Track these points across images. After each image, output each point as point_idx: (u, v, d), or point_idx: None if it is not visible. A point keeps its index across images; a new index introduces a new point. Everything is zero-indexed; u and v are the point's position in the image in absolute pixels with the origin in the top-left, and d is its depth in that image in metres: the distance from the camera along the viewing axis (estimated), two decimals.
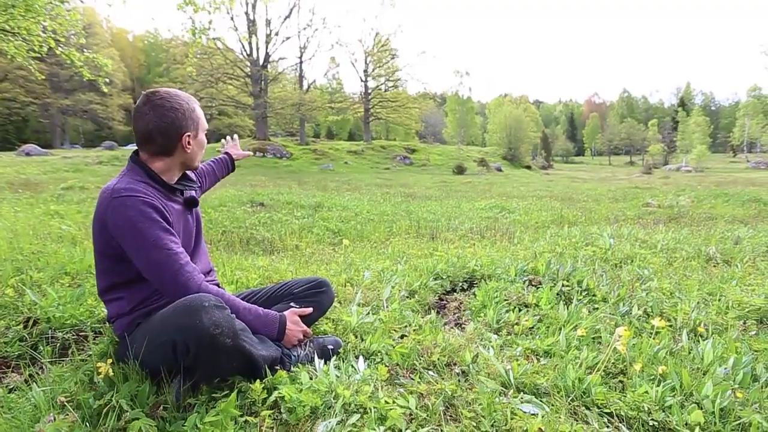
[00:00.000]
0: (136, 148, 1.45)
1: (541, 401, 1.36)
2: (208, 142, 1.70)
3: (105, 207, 1.29)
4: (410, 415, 1.28)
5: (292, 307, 1.63)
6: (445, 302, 2.43)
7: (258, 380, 1.32)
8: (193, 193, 1.58)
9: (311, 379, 1.37)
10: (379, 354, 1.64)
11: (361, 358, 1.57)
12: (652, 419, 1.29)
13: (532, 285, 2.51)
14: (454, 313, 2.27)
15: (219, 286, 1.71)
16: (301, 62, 32.55)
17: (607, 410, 1.34)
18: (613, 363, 1.59)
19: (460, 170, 25.06)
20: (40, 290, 2.15)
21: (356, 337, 1.77)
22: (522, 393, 1.41)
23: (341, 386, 1.32)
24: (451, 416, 1.31)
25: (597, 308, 2.18)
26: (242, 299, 1.70)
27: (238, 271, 2.72)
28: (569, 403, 1.36)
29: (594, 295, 2.35)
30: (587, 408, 1.36)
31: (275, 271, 2.76)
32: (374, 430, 1.18)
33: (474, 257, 3.05)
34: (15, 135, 36.22)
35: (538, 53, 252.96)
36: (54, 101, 34.78)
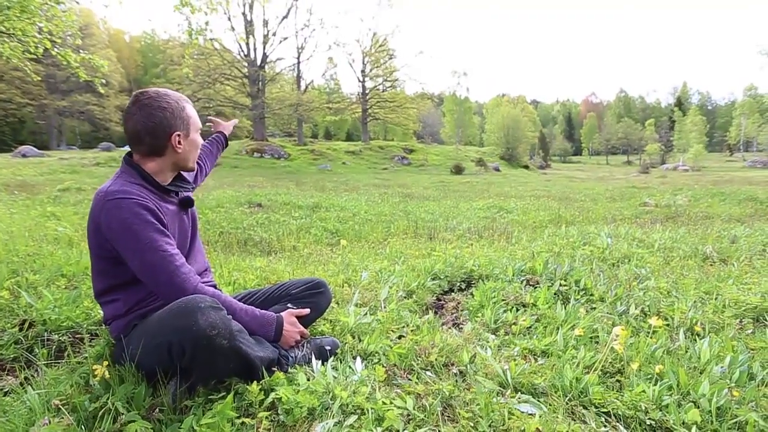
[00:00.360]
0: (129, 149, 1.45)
1: (538, 401, 1.36)
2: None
3: (99, 209, 1.29)
4: (408, 415, 1.27)
5: (290, 308, 1.62)
6: (442, 302, 2.43)
7: (255, 382, 1.31)
8: (188, 193, 1.57)
9: (308, 380, 1.37)
10: (376, 354, 1.63)
11: (358, 358, 1.57)
12: (650, 418, 1.29)
13: (530, 285, 2.51)
14: (452, 314, 2.27)
15: (215, 287, 1.71)
16: (298, 63, 32.54)
17: (605, 410, 1.34)
18: (610, 362, 1.59)
19: (458, 170, 25.08)
20: (36, 292, 2.13)
21: (354, 337, 1.77)
22: (519, 393, 1.41)
23: (338, 387, 1.32)
24: (448, 416, 1.31)
25: (594, 308, 2.18)
26: (239, 300, 1.70)
27: (235, 272, 2.71)
28: (567, 403, 1.36)
29: (591, 295, 2.36)
30: (585, 407, 1.36)
31: (273, 272, 2.75)
32: (372, 430, 1.18)
33: (472, 257, 3.05)
34: (11, 136, 36.08)
35: (535, 53, 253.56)
36: (50, 102, 34.66)
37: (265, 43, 29.16)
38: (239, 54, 29.07)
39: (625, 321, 2.04)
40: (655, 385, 1.41)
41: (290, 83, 35.65)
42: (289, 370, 1.45)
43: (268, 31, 29.04)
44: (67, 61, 5.06)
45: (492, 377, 1.50)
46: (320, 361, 1.51)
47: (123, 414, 1.19)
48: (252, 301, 1.70)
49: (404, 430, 1.21)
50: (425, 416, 1.27)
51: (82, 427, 1.17)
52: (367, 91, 36.66)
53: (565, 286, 2.43)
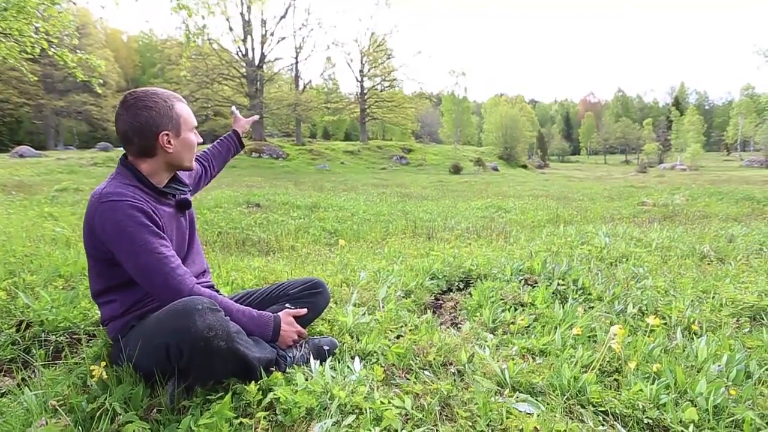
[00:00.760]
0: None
1: (536, 400, 1.36)
2: (205, 143, 1.65)
3: (93, 211, 1.28)
4: (406, 415, 1.27)
5: (288, 308, 1.62)
6: (441, 302, 2.43)
7: (253, 382, 1.31)
8: (185, 195, 1.56)
9: (307, 380, 1.37)
10: (374, 354, 1.63)
11: (356, 358, 1.57)
12: (647, 417, 1.30)
13: (528, 284, 2.52)
14: (450, 313, 2.27)
15: (213, 287, 1.71)
16: (296, 62, 32.50)
17: (603, 408, 1.35)
18: (608, 361, 1.60)
19: (456, 170, 25.10)
20: (33, 293, 2.13)
21: (352, 337, 1.77)
22: (518, 392, 1.41)
23: (337, 387, 1.32)
24: (447, 416, 1.31)
25: (592, 307, 2.19)
26: (238, 300, 1.70)
27: (233, 272, 2.71)
28: (565, 402, 1.36)
29: (589, 294, 2.36)
30: (582, 407, 1.36)
31: (271, 272, 2.75)
32: (370, 430, 1.18)
33: (470, 257, 3.05)
34: (8, 136, 35.92)
35: (533, 53, 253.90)
36: (48, 102, 34.52)
37: (263, 43, 29.13)
38: (237, 54, 29.03)
39: (622, 320, 2.05)
40: (653, 383, 1.42)
41: (288, 83, 35.61)
42: (287, 370, 1.44)
43: (266, 31, 29.01)
44: (64, 61, 5.04)
45: (490, 376, 1.50)
46: (318, 361, 1.51)
47: (121, 414, 1.18)
48: (250, 301, 1.70)
49: (402, 429, 1.21)
50: (423, 416, 1.27)
51: (80, 427, 1.16)
52: (365, 91, 36.64)
53: (563, 285, 2.43)
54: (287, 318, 1.50)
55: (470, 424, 1.25)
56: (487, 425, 1.24)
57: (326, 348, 1.61)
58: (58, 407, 1.21)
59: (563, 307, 2.10)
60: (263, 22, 28.80)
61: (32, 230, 4.10)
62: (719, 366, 1.55)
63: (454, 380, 1.47)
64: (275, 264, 3.09)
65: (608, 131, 69.57)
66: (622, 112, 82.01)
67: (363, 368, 1.50)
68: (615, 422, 1.30)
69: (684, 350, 1.71)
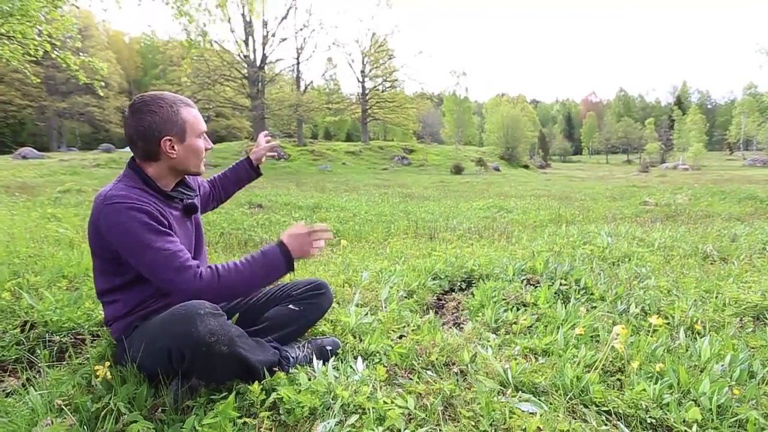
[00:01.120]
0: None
1: (539, 400, 1.36)
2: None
3: (98, 214, 1.29)
4: (409, 415, 1.28)
5: (292, 309, 1.62)
6: (443, 302, 2.43)
7: (256, 382, 1.32)
8: (192, 200, 1.56)
9: (310, 380, 1.37)
10: (377, 354, 1.64)
11: (359, 358, 1.57)
12: (650, 417, 1.30)
13: (530, 284, 2.52)
14: (453, 313, 2.27)
15: None
16: (298, 63, 32.52)
17: (605, 408, 1.34)
18: (611, 361, 1.60)
19: (457, 170, 25.09)
20: (37, 294, 2.14)
21: (355, 337, 1.77)
22: (520, 392, 1.41)
23: (340, 387, 1.32)
24: (449, 416, 1.31)
25: (595, 307, 2.19)
26: (240, 302, 1.70)
27: None
28: (567, 402, 1.36)
29: (592, 294, 2.36)
30: (585, 406, 1.36)
31: None
32: (373, 430, 1.18)
33: (472, 257, 3.05)
34: (11, 138, 36.10)
35: (535, 53, 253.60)
36: (50, 104, 34.69)
37: (264, 44, 29.17)
38: (239, 55, 29.09)
39: (625, 320, 2.04)
40: (656, 383, 1.42)
41: (290, 84, 35.68)
42: (291, 370, 1.45)
43: (267, 32, 29.06)
44: (67, 63, 5.07)
45: (493, 376, 1.50)
46: (321, 362, 1.51)
47: (125, 414, 1.19)
48: (253, 302, 1.71)
49: (405, 429, 1.21)
50: (426, 416, 1.27)
51: (85, 427, 1.17)
52: (366, 92, 36.66)
53: (565, 285, 2.43)
54: (290, 236, 1.40)
55: (473, 423, 1.25)
56: (490, 425, 1.25)
57: (329, 348, 1.62)
58: (63, 407, 1.22)
59: (566, 307, 2.09)
60: (264, 23, 28.85)
61: (36, 231, 4.12)
62: (722, 366, 1.55)
63: (457, 380, 1.48)
64: None
65: (610, 131, 69.42)
66: (623, 112, 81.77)
67: (366, 368, 1.50)
68: (618, 422, 1.30)
69: (687, 350, 1.71)
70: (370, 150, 31.03)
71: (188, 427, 1.16)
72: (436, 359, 1.59)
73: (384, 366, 1.51)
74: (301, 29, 30.99)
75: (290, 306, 1.63)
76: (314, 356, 1.54)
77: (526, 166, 35.87)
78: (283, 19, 29.31)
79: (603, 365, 1.55)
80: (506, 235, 4.63)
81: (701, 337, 1.81)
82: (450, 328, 2.04)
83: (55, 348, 1.66)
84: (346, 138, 54.94)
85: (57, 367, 1.53)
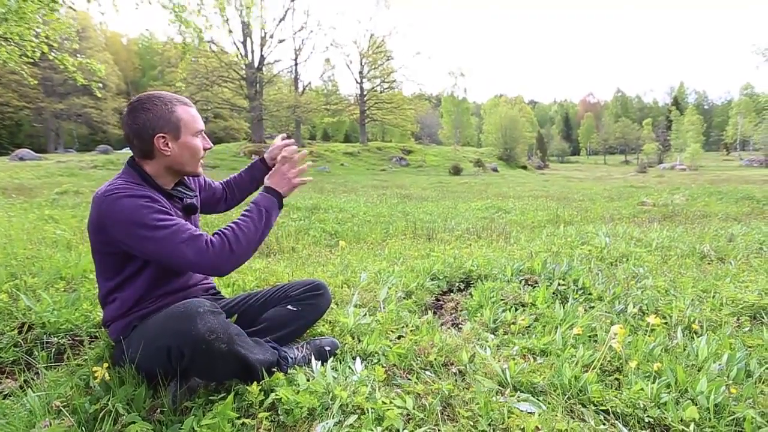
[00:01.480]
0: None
1: (537, 400, 1.37)
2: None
3: (98, 207, 1.29)
4: (407, 415, 1.28)
5: (290, 310, 1.62)
6: (441, 303, 2.43)
7: (255, 382, 1.32)
8: (192, 200, 1.56)
9: (308, 380, 1.37)
10: (376, 355, 1.64)
11: (358, 359, 1.57)
12: (648, 416, 1.30)
13: (529, 284, 2.52)
14: (451, 314, 2.27)
15: (214, 289, 1.71)
16: (296, 64, 32.57)
17: (603, 408, 1.35)
18: (608, 361, 1.60)
19: (456, 171, 25.12)
20: (35, 295, 2.13)
21: (353, 338, 1.78)
22: (519, 392, 1.42)
23: (338, 387, 1.33)
24: (448, 416, 1.31)
25: (593, 307, 2.19)
26: (239, 302, 1.70)
27: (234, 273, 2.71)
28: (566, 401, 1.37)
29: (590, 294, 2.37)
30: (583, 406, 1.36)
31: (272, 274, 2.75)
32: (372, 430, 1.18)
33: (470, 257, 3.05)
34: (8, 140, 35.98)
35: (533, 54, 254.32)
36: (47, 105, 34.58)
37: (262, 45, 29.18)
38: (237, 56, 29.07)
39: (623, 320, 2.05)
40: (654, 382, 1.42)
41: (288, 85, 35.66)
42: (289, 370, 1.45)
43: (265, 34, 29.08)
44: (65, 65, 5.05)
45: (491, 376, 1.50)
46: (320, 362, 1.51)
47: (123, 415, 1.19)
48: (251, 302, 1.71)
49: (404, 429, 1.21)
50: (425, 415, 1.28)
51: (83, 428, 1.17)
52: (364, 93, 36.71)
53: (563, 285, 2.44)
54: (271, 177, 1.52)
55: (472, 423, 1.25)
56: (489, 425, 1.25)
57: (327, 349, 1.62)
58: (61, 408, 1.21)
59: (564, 307, 2.10)
60: (263, 25, 28.85)
61: (33, 233, 4.11)
62: (720, 365, 1.56)
63: (456, 380, 1.48)
64: (276, 265, 3.09)
65: (608, 131, 69.63)
66: (621, 113, 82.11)
67: (364, 369, 1.51)
68: (616, 421, 1.30)
69: (684, 349, 1.72)
70: (368, 151, 31.04)
71: (187, 427, 1.16)
72: (435, 359, 1.59)
73: (382, 366, 1.51)
74: (299, 30, 31.04)
75: (289, 307, 1.63)
76: (313, 357, 1.54)
77: (524, 167, 35.94)
78: (281, 20, 29.36)
79: (601, 365, 1.55)
80: (504, 236, 4.64)
81: (698, 337, 1.81)
82: (448, 328, 2.04)
83: (53, 350, 1.66)
84: (344, 139, 54.97)
85: (55, 368, 1.53)
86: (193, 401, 1.29)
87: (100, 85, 5.94)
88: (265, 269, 2.91)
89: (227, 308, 1.67)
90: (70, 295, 2.09)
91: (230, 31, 27.60)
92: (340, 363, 1.54)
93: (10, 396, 1.36)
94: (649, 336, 1.82)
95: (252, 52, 28.92)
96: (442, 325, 2.08)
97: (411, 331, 1.88)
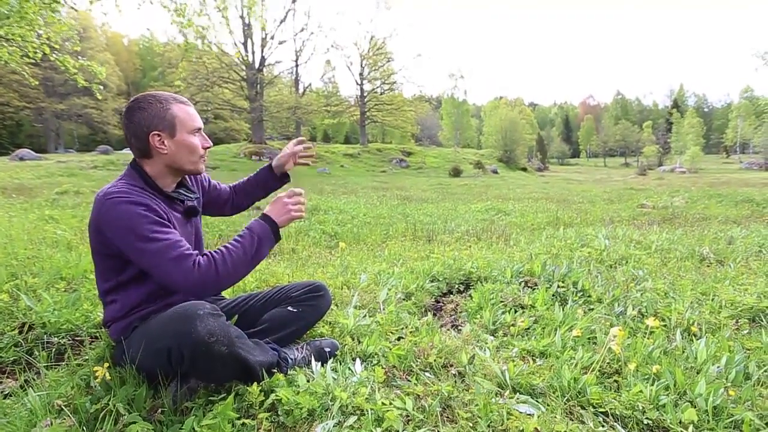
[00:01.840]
0: None
1: (537, 401, 1.37)
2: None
3: (97, 210, 1.30)
4: (407, 416, 1.28)
5: (291, 311, 1.63)
6: (441, 304, 2.44)
7: (255, 383, 1.32)
8: (193, 203, 1.56)
9: (308, 381, 1.38)
10: (375, 356, 1.64)
11: (358, 360, 1.58)
12: (647, 418, 1.31)
13: (528, 286, 2.53)
14: (451, 315, 2.28)
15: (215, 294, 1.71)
16: (296, 66, 32.63)
17: (603, 410, 1.35)
18: (608, 363, 1.61)
19: (456, 173, 25.14)
20: (35, 295, 2.14)
21: (353, 339, 1.78)
22: (518, 393, 1.42)
23: (338, 388, 1.33)
24: (447, 417, 1.31)
25: (592, 309, 2.20)
26: (239, 303, 1.71)
27: None
28: (565, 403, 1.37)
29: (589, 296, 2.37)
30: (583, 408, 1.37)
31: (272, 275, 2.76)
32: (371, 431, 1.19)
33: (470, 259, 3.06)
34: (8, 139, 36.01)
35: (533, 56, 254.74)
36: (48, 105, 34.59)
37: (263, 46, 29.23)
38: (237, 57, 29.10)
39: (622, 322, 2.06)
40: (653, 385, 1.43)
41: (288, 86, 35.74)
42: (289, 371, 1.45)
43: (266, 35, 29.13)
44: (66, 66, 5.06)
45: (491, 378, 1.51)
46: (320, 363, 1.51)
47: (124, 415, 1.19)
48: (252, 303, 1.71)
49: (404, 430, 1.21)
50: (424, 417, 1.28)
51: (84, 428, 1.17)
52: (365, 94, 36.76)
53: (563, 287, 2.44)
54: (271, 205, 1.46)
55: (471, 425, 1.26)
56: (488, 426, 1.25)
57: (327, 350, 1.62)
58: (63, 407, 1.22)
59: (563, 309, 2.10)
60: (263, 26, 28.91)
61: (33, 233, 4.11)
62: (718, 367, 1.56)
63: (455, 382, 1.48)
64: (276, 267, 3.10)
65: (608, 134, 69.72)
66: (621, 115, 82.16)
67: (364, 370, 1.51)
68: (615, 423, 1.31)
69: (683, 352, 1.72)
70: (368, 152, 31.07)
71: (187, 428, 1.17)
72: (434, 361, 1.59)
73: (382, 367, 1.51)
74: (299, 32, 31.11)
75: (289, 308, 1.64)
76: (313, 358, 1.54)
77: (524, 169, 35.96)
78: (281, 21, 29.41)
79: (600, 367, 1.56)
80: (504, 238, 4.64)
81: (697, 339, 1.82)
82: (448, 329, 2.04)
83: (54, 349, 1.66)
84: (344, 140, 55.04)
85: (55, 368, 1.53)
86: (193, 401, 1.29)
87: (101, 87, 5.95)
88: (266, 270, 2.91)
89: (228, 309, 1.67)
90: (70, 295, 2.09)
91: (231, 32, 27.68)
92: (340, 364, 1.55)
93: (10, 395, 1.36)
94: (648, 338, 1.82)
95: (253, 53, 28.98)
96: (441, 326, 2.09)
97: (411, 332, 1.89)
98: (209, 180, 1.76)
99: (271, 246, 1.42)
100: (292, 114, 30.00)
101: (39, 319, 1.82)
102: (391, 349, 1.65)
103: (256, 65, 28.93)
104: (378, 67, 37.15)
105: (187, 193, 1.53)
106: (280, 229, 1.44)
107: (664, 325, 2.03)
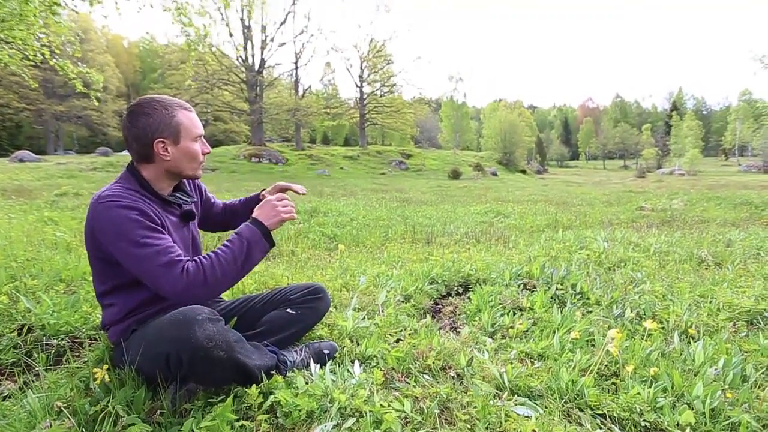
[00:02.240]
0: None
1: (535, 403, 1.38)
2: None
3: (92, 213, 1.30)
4: (406, 418, 1.29)
5: (290, 313, 1.63)
6: (440, 306, 2.44)
7: (254, 385, 1.32)
8: (190, 207, 1.56)
9: (307, 383, 1.38)
10: (374, 358, 1.65)
11: (356, 362, 1.58)
12: (644, 420, 1.31)
13: (527, 289, 2.53)
14: (450, 317, 2.28)
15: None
16: (296, 68, 32.65)
17: (600, 412, 1.36)
18: (606, 365, 1.61)
19: (455, 175, 25.18)
20: (35, 297, 2.14)
21: (352, 341, 1.78)
22: (516, 395, 1.43)
23: (337, 390, 1.33)
24: (446, 419, 1.32)
25: (590, 311, 2.20)
26: (239, 305, 1.71)
27: None
28: (563, 405, 1.38)
29: (588, 299, 2.38)
30: (580, 410, 1.37)
31: (271, 277, 2.76)
32: None
33: (469, 261, 3.06)
34: (8, 141, 36.04)
35: (532, 58, 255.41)
36: (48, 107, 34.59)
37: (263, 48, 29.29)
38: (237, 59, 29.17)
39: (620, 324, 2.06)
40: (650, 387, 1.43)
41: (288, 88, 35.76)
42: (288, 374, 1.46)
43: (266, 37, 29.18)
44: (65, 71, 5.07)
45: (489, 380, 1.51)
46: (319, 365, 1.52)
47: (123, 417, 1.20)
48: (251, 306, 1.71)
49: None
50: (423, 419, 1.28)
51: (83, 430, 1.18)
52: (364, 96, 36.82)
53: (561, 290, 2.45)
54: (260, 209, 1.42)
55: (469, 427, 1.26)
56: (486, 428, 1.26)
57: (326, 352, 1.63)
58: (62, 409, 1.22)
59: (561, 312, 2.11)
60: (263, 28, 28.98)
61: (33, 235, 4.11)
62: (716, 369, 1.57)
63: (453, 384, 1.49)
64: (275, 269, 3.10)
65: (607, 136, 69.85)
66: (620, 118, 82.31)
67: (363, 372, 1.51)
68: (613, 425, 1.31)
69: (681, 354, 1.73)
70: (367, 155, 31.10)
71: (186, 429, 1.17)
72: (433, 363, 1.60)
73: (381, 370, 1.52)
74: (299, 34, 31.15)
75: (288, 310, 1.64)
76: (312, 360, 1.54)
77: (523, 171, 36.02)
78: (281, 24, 29.47)
79: (598, 369, 1.56)
80: (503, 240, 4.65)
81: (695, 342, 1.82)
82: (447, 332, 2.05)
83: (53, 351, 1.67)
84: (344, 143, 55.10)
85: (55, 370, 1.53)
86: (192, 403, 1.30)
87: (98, 95, 5.96)
88: (265, 272, 2.92)
89: (227, 311, 1.68)
90: (69, 297, 2.10)
91: (231, 34, 27.74)
92: (339, 366, 1.55)
93: (10, 397, 1.36)
94: (646, 340, 1.83)
95: (252, 55, 29.04)
96: (440, 328, 2.09)
97: (409, 334, 1.89)
98: (206, 190, 1.76)
99: (264, 250, 1.38)
100: (291, 116, 30.02)
101: (38, 321, 1.82)
102: (389, 351, 1.66)
103: (256, 67, 28.98)
104: (378, 69, 37.23)
105: (183, 197, 1.53)
106: (271, 232, 1.41)
107: (662, 328, 2.03)
